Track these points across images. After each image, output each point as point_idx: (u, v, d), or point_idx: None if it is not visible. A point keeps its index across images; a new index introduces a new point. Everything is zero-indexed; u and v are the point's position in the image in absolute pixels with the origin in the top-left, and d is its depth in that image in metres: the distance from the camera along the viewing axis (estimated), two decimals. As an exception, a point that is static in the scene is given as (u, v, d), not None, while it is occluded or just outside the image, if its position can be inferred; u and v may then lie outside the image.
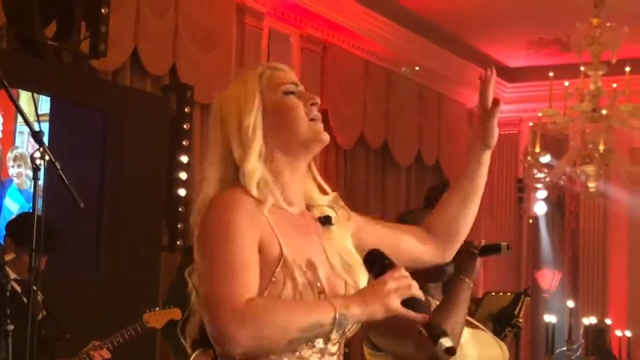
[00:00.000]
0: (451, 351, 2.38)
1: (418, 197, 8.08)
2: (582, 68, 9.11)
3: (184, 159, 8.47)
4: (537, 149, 9.81)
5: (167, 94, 8.58)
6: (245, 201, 2.49)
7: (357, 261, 2.62)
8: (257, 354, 2.41)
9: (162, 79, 8.63)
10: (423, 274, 3.76)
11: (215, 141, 2.61)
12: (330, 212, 2.70)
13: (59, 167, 4.10)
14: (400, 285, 2.41)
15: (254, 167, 2.53)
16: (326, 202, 2.72)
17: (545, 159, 10.09)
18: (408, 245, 2.89)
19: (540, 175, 10.66)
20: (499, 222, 13.34)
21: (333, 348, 2.56)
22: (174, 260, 7.48)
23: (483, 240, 4.04)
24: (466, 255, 3.83)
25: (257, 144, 2.56)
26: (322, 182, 2.74)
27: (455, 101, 12.69)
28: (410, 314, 2.40)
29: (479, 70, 12.51)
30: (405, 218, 4.00)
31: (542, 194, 12.19)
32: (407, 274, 2.45)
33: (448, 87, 12.34)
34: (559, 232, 13.21)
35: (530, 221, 13.12)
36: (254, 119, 2.57)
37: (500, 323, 4.96)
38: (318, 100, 2.65)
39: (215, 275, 2.41)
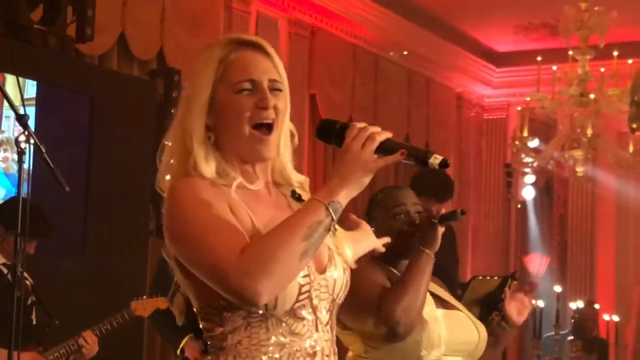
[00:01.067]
0: (444, 163, 2.36)
1: (406, 181, 8.12)
2: (570, 52, 9.14)
3: (171, 143, 8.44)
4: (525, 134, 9.84)
5: (154, 78, 8.60)
6: (207, 183, 2.43)
7: (342, 232, 2.62)
8: (284, 287, 2.34)
9: (149, 63, 8.63)
10: (395, 252, 3.83)
11: (177, 121, 2.57)
12: (300, 192, 2.63)
13: (44, 150, 4.12)
14: (363, 139, 2.34)
15: (209, 169, 2.45)
16: (296, 184, 2.64)
17: (534, 143, 10.12)
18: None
19: (528, 159, 10.68)
20: (487, 206, 13.37)
21: (324, 317, 2.51)
22: (161, 245, 7.43)
23: (443, 209, 4.10)
24: (427, 225, 3.87)
25: (199, 131, 2.48)
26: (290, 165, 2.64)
27: (444, 85, 12.70)
28: (390, 159, 2.35)
29: (468, 54, 12.64)
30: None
31: (530, 178, 12.23)
32: (363, 124, 2.39)
33: (437, 72, 12.35)
34: (547, 216, 13.26)
35: (519, 206, 13.17)
36: (205, 99, 2.48)
37: (487, 307, 4.98)
38: (270, 102, 2.46)
39: (202, 243, 2.32)
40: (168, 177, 2.52)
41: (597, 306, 12.10)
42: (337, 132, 2.43)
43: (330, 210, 2.32)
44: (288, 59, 9.84)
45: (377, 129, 2.38)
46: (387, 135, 2.37)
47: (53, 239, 5.71)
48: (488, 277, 5.37)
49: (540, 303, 11.18)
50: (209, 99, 2.47)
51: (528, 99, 9.88)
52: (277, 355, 2.43)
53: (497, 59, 12.94)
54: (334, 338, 2.56)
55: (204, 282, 2.39)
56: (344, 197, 2.34)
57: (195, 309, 2.54)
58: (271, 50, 2.53)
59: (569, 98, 9.17)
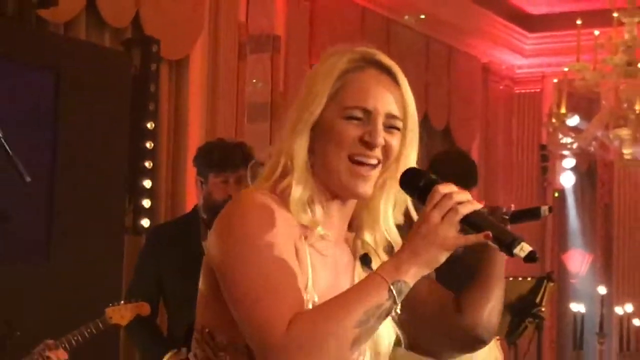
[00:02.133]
0: (532, 257, 2.25)
1: (425, 163, 8.04)
2: (615, 14, 9.04)
3: (150, 125, 8.44)
4: (563, 110, 9.80)
5: (129, 49, 8.54)
6: (283, 211, 2.39)
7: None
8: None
9: (124, 31, 8.56)
10: None
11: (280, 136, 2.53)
12: (374, 255, 2.60)
13: (1, 135, 4.07)
14: (447, 209, 2.25)
15: (301, 195, 2.44)
16: (382, 242, 2.61)
17: (573, 121, 10.10)
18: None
19: (567, 140, 10.64)
20: (519, 195, 13.22)
21: None
22: (139, 244, 7.42)
23: (513, 205, 3.98)
24: (494, 226, 3.75)
25: (301, 160, 2.45)
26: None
27: (467, 54, 12.63)
28: (471, 239, 2.27)
29: (495, 18, 12.56)
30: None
31: (569, 162, 12.20)
32: (450, 186, 2.31)
33: (459, 39, 12.28)
34: (590, 206, 13.21)
35: (556, 194, 13.10)
36: (305, 127, 2.45)
37: (519, 313, 4.95)
38: (379, 141, 2.41)
39: (255, 298, 2.29)
40: None
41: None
42: (420, 189, 2.38)
43: (394, 291, 2.25)
44: (285, 25, 9.97)
45: (465, 196, 2.29)
46: (475, 207, 2.29)
47: (13, 239, 5.81)
48: (520, 278, 5.29)
49: (582, 308, 11.19)
50: (317, 119, 2.45)
51: (566, 69, 9.84)
52: None
53: (530, 22, 12.89)
54: None
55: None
56: (412, 277, 2.28)
57: (197, 329, 2.53)
58: (403, 81, 2.49)
59: (613, 68, 9.08)
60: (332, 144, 2.42)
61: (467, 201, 2.27)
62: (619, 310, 11.30)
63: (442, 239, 2.24)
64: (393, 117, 2.43)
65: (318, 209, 2.48)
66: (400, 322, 2.62)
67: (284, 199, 2.43)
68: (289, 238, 2.37)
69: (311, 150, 2.46)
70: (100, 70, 7.83)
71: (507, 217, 3.88)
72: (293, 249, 2.36)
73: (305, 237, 2.43)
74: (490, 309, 3.66)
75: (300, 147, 2.43)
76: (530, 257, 2.24)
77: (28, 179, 4.14)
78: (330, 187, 2.48)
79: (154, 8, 8.59)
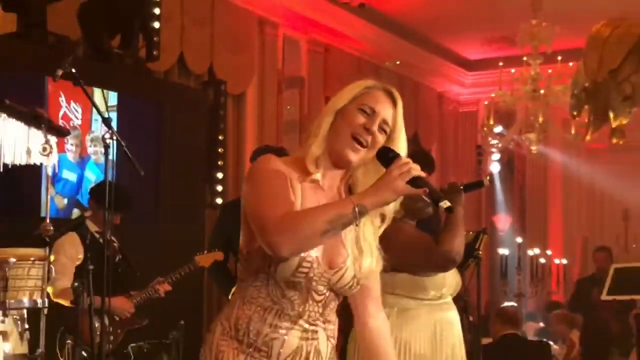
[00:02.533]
0: (450, 209, 2.33)
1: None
2: (524, 58, 9.11)
3: (221, 137, 8.44)
4: (492, 122, 9.84)
5: (206, 88, 8.54)
6: (284, 168, 2.45)
7: (369, 245, 2.52)
8: (303, 250, 2.34)
9: (202, 76, 8.56)
10: (407, 213, 3.85)
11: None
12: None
13: (124, 145, 4.16)
14: (403, 171, 2.28)
15: (315, 151, 2.45)
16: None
17: (498, 129, 10.12)
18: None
19: (494, 142, 10.70)
20: (462, 179, 12.75)
21: (318, 297, 2.47)
22: (215, 215, 7.47)
23: (462, 181, 4.11)
24: (454, 194, 3.87)
25: (323, 132, 2.46)
26: None
27: (428, 87, 12.52)
28: (413, 190, 2.29)
29: (446, 62, 12.56)
30: None
31: (496, 156, 12.21)
32: (408, 160, 2.34)
33: (422, 76, 12.22)
34: (510, 185, 13.22)
35: (488, 177, 13.10)
36: (331, 113, 2.48)
37: (465, 255, 4.93)
38: (374, 129, 2.43)
39: (263, 199, 2.37)
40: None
41: (549, 252, 12.13)
42: (389, 159, 2.38)
43: (357, 210, 2.28)
44: (307, 70, 9.91)
45: (416, 167, 2.31)
46: (421, 173, 2.31)
47: (133, 212, 5.70)
48: (465, 233, 5.36)
49: (506, 251, 11.25)
50: (342, 107, 2.46)
51: (493, 95, 9.85)
52: (266, 308, 2.41)
53: (469, 65, 12.82)
54: (328, 312, 2.50)
55: (251, 231, 2.42)
56: (370, 205, 2.31)
57: (240, 248, 2.53)
58: (399, 105, 2.50)
59: (524, 94, 9.14)
60: (345, 123, 2.42)
61: (416, 169, 2.28)
62: (530, 252, 11.30)
63: (395, 186, 2.27)
64: (386, 122, 2.43)
65: (320, 166, 2.45)
66: None
67: (292, 161, 2.49)
68: (285, 179, 2.39)
69: (331, 128, 2.45)
70: (187, 102, 7.89)
71: (461, 187, 4.04)
72: (288, 183, 2.39)
73: (301, 181, 2.43)
74: (459, 241, 3.82)
75: (326, 123, 2.44)
76: (448, 209, 2.30)
77: (142, 173, 4.21)
78: (333, 156, 2.45)
79: (222, 60, 8.63)
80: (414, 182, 2.29)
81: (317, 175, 2.45)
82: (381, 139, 2.44)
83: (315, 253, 2.40)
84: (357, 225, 2.37)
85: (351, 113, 2.43)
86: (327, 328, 2.48)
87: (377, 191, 2.32)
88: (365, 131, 2.42)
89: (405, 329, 3.85)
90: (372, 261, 2.52)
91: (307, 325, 2.43)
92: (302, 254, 2.38)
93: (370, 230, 2.52)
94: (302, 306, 2.43)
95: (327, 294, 2.46)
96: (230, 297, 5.23)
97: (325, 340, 2.48)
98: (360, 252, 2.50)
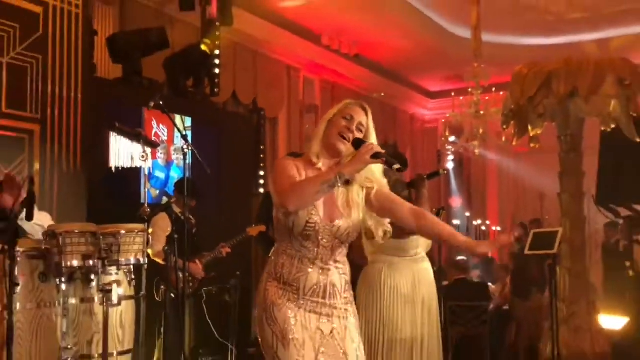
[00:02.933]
0: (400, 169, 2.38)
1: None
2: (469, 90, 9.09)
3: (261, 147, 8.48)
4: (447, 134, 9.85)
5: (252, 114, 8.56)
6: (294, 162, 2.51)
7: (356, 204, 2.52)
8: (304, 206, 2.40)
9: (249, 106, 8.57)
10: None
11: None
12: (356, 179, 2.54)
13: (196, 153, 4.16)
14: (368, 149, 2.34)
15: (316, 149, 2.50)
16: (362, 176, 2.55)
17: (452, 139, 10.13)
18: (395, 213, 2.59)
19: (449, 148, 10.72)
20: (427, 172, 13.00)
21: (326, 244, 2.47)
22: (258, 200, 7.45)
23: (427, 172, 4.11)
24: (420, 181, 3.90)
25: (319, 138, 2.51)
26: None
27: (402, 111, 12.46)
28: (376, 161, 2.35)
29: (415, 93, 12.51)
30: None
31: (450, 157, 12.24)
32: (373, 143, 2.42)
33: (399, 103, 12.19)
34: (460, 177, 13.17)
35: (445, 172, 13.09)
36: (324, 123, 2.54)
37: None
38: (353, 129, 2.47)
39: (282, 180, 2.42)
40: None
41: (488, 222, 12.10)
42: (359, 144, 2.42)
43: (338, 176, 2.33)
44: (320, 100, 9.89)
45: (377, 147, 2.37)
46: (380, 150, 2.35)
47: (204, 199, 5.65)
48: (429, 210, 5.33)
49: (458, 222, 11.26)
50: (331, 118, 2.51)
51: (448, 115, 9.83)
52: (292, 256, 2.46)
53: (431, 95, 12.79)
54: (337, 255, 2.50)
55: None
56: (347, 172, 2.36)
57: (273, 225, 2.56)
58: (369, 113, 2.55)
59: (469, 114, 9.11)
60: (334, 127, 2.48)
61: (377, 147, 2.36)
62: (475, 222, 11.30)
63: (363, 159, 2.33)
64: (361, 124, 2.49)
65: (320, 158, 2.48)
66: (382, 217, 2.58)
67: (303, 158, 2.53)
68: (292, 167, 2.45)
69: (325, 132, 2.50)
70: (238, 124, 7.88)
71: (425, 176, 4.03)
72: (294, 169, 2.45)
73: (307, 169, 2.47)
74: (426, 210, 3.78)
75: (321, 130, 2.51)
76: (398, 169, 2.38)
77: (209, 172, 4.20)
78: (328, 149, 2.51)
79: (262, 94, 8.66)
80: (376, 155, 2.34)
81: (319, 165, 2.48)
82: (360, 136, 2.48)
83: (318, 214, 2.43)
84: (339, 186, 2.38)
85: (338, 120, 2.48)
86: (337, 267, 2.50)
87: (351, 163, 2.37)
88: (347, 130, 2.47)
89: (394, 277, 3.85)
90: (359, 214, 2.52)
91: (321, 265, 2.47)
92: (308, 217, 2.41)
93: (359, 193, 2.52)
94: (315, 251, 2.46)
95: (332, 242, 2.46)
96: (270, 256, 5.33)
97: (338, 276, 2.50)
98: (350, 210, 2.50)
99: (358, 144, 2.45)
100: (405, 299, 3.82)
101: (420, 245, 4.00)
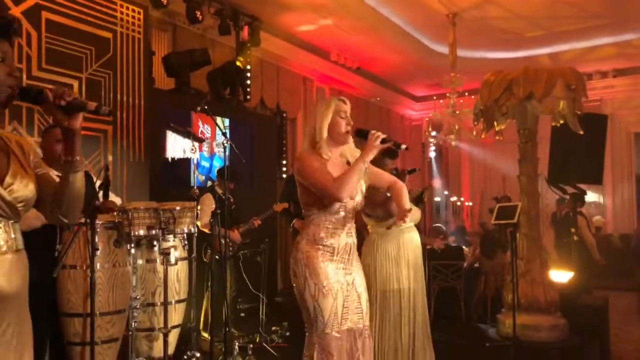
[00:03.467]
0: (407, 149, 2.42)
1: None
2: (447, 94, 9.03)
3: (284, 142, 8.47)
4: (430, 129, 9.79)
5: (276, 116, 8.52)
6: (317, 155, 2.45)
7: (360, 185, 2.51)
8: (351, 193, 2.36)
9: (274, 109, 8.57)
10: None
11: (309, 127, 2.53)
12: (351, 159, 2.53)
13: (234, 146, 4.08)
14: (376, 137, 2.34)
15: (325, 147, 2.45)
16: (352, 158, 2.54)
17: (434, 134, 10.08)
18: (379, 181, 2.66)
19: (431, 140, 10.64)
20: (413, 162, 12.80)
21: (349, 215, 2.46)
22: (282, 183, 7.44)
23: (408, 168, 4.05)
24: (402, 175, 3.86)
25: (324, 135, 2.44)
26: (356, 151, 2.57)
27: (394, 112, 12.43)
28: (384, 146, 2.36)
29: (404, 98, 12.42)
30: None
31: (432, 148, 12.18)
32: (377, 132, 2.38)
33: (391, 106, 12.13)
34: (440, 163, 13.14)
35: (428, 160, 13.06)
36: (326, 125, 2.45)
37: (416, 202, 4.85)
38: (351, 123, 2.45)
39: (320, 178, 2.38)
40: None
41: (462, 199, 12.05)
42: (364, 134, 2.41)
43: (365, 165, 2.36)
44: None
45: (380, 133, 2.36)
46: (384, 136, 2.36)
47: (240, 182, 5.61)
48: (417, 190, 5.30)
49: (439, 199, 11.25)
50: (329, 118, 2.45)
51: (430, 114, 9.79)
52: (329, 226, 2.44)
53: (417, 99, 12.73)
54: (352, 221, 2.51)
55: (310, 193, 2.42)
56: (369, 159, 2.38)
57: (301, 202, 2.52)
58: (348, 103, 2.51)
59: (447, 114, 9.07)
60: (336, 126, 2.42)
61: (381, 134, 2.35)
62: (452, 199, 11.29)
63: (375, 146, 2.34)
64: (349, 118, 2.45)
65: (329, 150, 2.43)
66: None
67: (318, 150, 2.45)
68: (320, 162, 2.40)
69: (329, 130, 2.43)
70: (266, 124, 7.74)
71: (406, 172, 3.92)
72: (324, 167, 2.40)
73: (323, 162, 2.41)
74: (404, 200, 3.73)
75: (324, 131, 2.43)
76: (406, 149, 2.46)
77: (244, 161, 4.26)
78: (335, 143, 2.46)
79: (284, 100, 8.66)
80: (383, 141, 2.35)
81: (328, 156, 2.45)
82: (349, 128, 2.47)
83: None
84: (365, 172, 2.40)
85: (336, 120, 2.43)
86: (352, 231, 2.53)
87: (369, 151, 2.37)
88: (348, 125, 2.45)
89: (384, 243, 3.83)
90: (363, 189, 2.55)
91: (347, 230, 2.48)
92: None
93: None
94: (344, 221, 2.47)
95: (352, 212, 2.50)
96: (291, 226, 5.30)
97: (354, 238, 2.53)
98: (359, 187, 2.51)
99: (363, 133, 2.42)
100: (392, 260, 3.81)
101: (410, 219, 3.97)
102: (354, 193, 2.48)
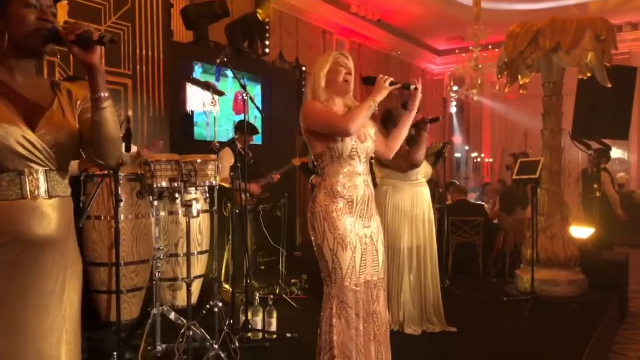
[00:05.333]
0: (415, 88, 2.39)
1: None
2: (470, 48, 8.84)
3: (303, 96, 8.34)
4: (452, 83, 9.64)
5: (294, 70, 8.45)
6: (319, 102, 2.42)
7: (368, 127, 2.51)
8: (359, 128, 2.37)
9: (292, 63, 8.52)
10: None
11: (309, 80, 2.51)
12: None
13: (252, 98, 4.01)
14: (384, 79, 2.38)
15: (323, 96, 2.44)
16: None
17: (455, 88, 9.93)
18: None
19: (453, 95, 10.48)
20: (435, 116, 12.65)
21: (363, 159, 2.46)
22: (301, 139, 7.41)
23: (430, 116, 3.98)
24: (422, 124, 3.80)
25: (322, 84, 2.44)
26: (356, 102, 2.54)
27: (415, 66, 12.23)
28: (394, 87, 2.38)
29: (426, 51, 12.20)
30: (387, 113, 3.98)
31: (454, 103, 12.01)
32: (384, 76, 2.41)
33: (412, 60, 11.96)
34: (461, 119, 13.00)
35: (449, 115, 12.90)
36: (323, 74, 2.45)
37: (436, 156, 4.84)
38: (351, 73, 2.45)
39: (326, 115, 2.38)
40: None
41: (482, 155, 11.96)
42: (371, 80, 2.41)
43: (374, 103, 2.36)
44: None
45: (390, 78, 2.38)
46: (392, 79, 2.38)
47: (258, 135, 5.62)
48: (437, 144, 5.26)
49: (459, 154, 11.17)
50: (327, 70, 2.46)
51: (452, 69, 9.62)
52: (345, 178, 2.42)
53: (439, 52, 12.50)
54: (369, 168, 2.51)
55: (321, 139, 2.39)
56: (379, 99, 2.38)
57: (314, 159, 2.50)
58: (350, 58, 2.51)
59: (470, 67, 8.89)
60: (334, 76, 2.44)
61: (389, 77, 2.37)
62: (472, 155, 11.22)
63: (384, 88, 2.37)
64: (350, 68, 2.46)
65: (334, 100, 2.43)
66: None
67: (319, 100, 2.42)
68: (324, 105, 2.40)
69: (326, 82, 2.43)
70: (284, 78, 7.58)
71: (427, 120, 3.77)
72: (324, 106, 2.38)
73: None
74: (421, 153, 3.72)
75: (323, 81, 2.44)
76: (415, 89, 2.39)
77: (263, 115, 4.21)
78: (337, 92, 2.46)
79: (303, 54, 8.56)
80: (392, 83, 2.38)
81: (336, 105, 2.43)
82: (350, 78, 2.46)
83: (355, 138, 2.42)
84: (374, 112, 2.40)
85: (337, 69, 2.44)
86: (369, 182, 2.51)
87: (378, 92, 2.38)
88: (347, 75, 2.45)
89: (396, 196, 3.83)
90: (372, 135, 2.55)
91: (363, 180, 2.47)
92: (351, 141, 2.40)
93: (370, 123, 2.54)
94: (360, 167, 2.46)
95: (366, 158, 2.48)
96: (309, 182, 5.29)
97: (371, 189, 2.51)
98: (367, 132, 2.52)
99: (369, 79, 2.42)
100: (404, 214, 3.81)
101: (421, 172, 3.94)
102: (364, 136, 2.46)
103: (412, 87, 2.36)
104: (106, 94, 1.48)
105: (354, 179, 2.43)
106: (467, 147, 12.06)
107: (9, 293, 1.37)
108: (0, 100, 1.40)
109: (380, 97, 2.37)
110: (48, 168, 1.45)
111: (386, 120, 3.85)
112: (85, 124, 1.53)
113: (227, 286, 4.83)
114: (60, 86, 1.56)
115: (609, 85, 4.76)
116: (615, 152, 10.14)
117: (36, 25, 1.44)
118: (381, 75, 2.39)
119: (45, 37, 1.44)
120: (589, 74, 4.71)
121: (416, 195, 3.86)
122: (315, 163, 2.52)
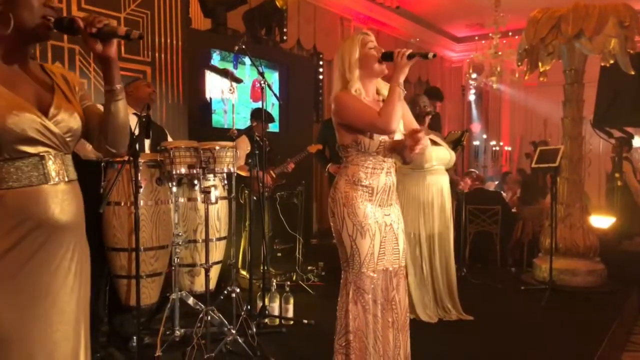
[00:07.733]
0: (435, 56, 2.26)
1: (421, 90, 8.03)
2: (490, 34, 8.71)
3: (320, 84, 8.36)
4: (471, 71, 9.52)
5: (312, 57, 8.43)
6: (353, 95, 2.35)
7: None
8: (398, 123, 2.30)
9: (310, 50, 8.47)
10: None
11: (338, 67, 2.42)
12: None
13: (270, 86, 4.02)
14: (401, 54, 2.25)
15: (356, 84, 2.37)
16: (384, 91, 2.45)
17: (474, 75, 9.82)
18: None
19: (472, 82, 10.37)
20: (453, 105, 12.52)
21: (387, 153, 2.41)
22: (318, 126, 7.41)
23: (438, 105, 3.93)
24: (436, 114, 3.78)
25: (356, 73, 2.36)
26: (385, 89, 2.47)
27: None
28: (413, 61, 2.26)
29: (445, 39, 12.05)
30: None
31: (473, 91, 11.87)
32: (401, 50, 2.28)
33: (431, 47, 11.71)
34: (480, 107, 12.84)
35: (468, 103, 12.75)
36: (355, 60, 2.36)
37: (455, 144, 4.79)
38: (382, 51, 2.35)
39: (364, 114, 2.32)
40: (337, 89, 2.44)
41: (501, 143, 11.83)
42: (389, 56, 2.31)
43: (400, 87, 2.27)
44: None
45: (405, 50, 2.26)
46: (410, 51, 2.26)
47: (274, 123, 5.63)
48: (456, 132, 5.22)
49: (478, 143, 11.05)
50: (359, 56, 2.37)
51: (472, 56, 9.51)
52: (368, 166, 2.40)
53: (458, 40, 12.31)
54: (393, 162, 2.47)
55: (351, 131, 2.36)
56: (401, 79, 2.27)
57: (339, 147, 2.47)
58: (372, 35, 2.41)
59: (489, 55, 8.77)
60: (369, 59, 2.35)
61: (407, 50, 2.25)
62: (491, 143, 11.11)
63: (405, 63, 2.24)
64: (377, 45, 2.40)
65: (363, 87, 2.37)
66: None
67: (350, 90, 2.35)
68: (358, 99, 2.33)
69: (360, 66, 2.36)
70: (302, 65, 7.69)
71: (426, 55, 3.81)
72: (364, 102, 2.33)
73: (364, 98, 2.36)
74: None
75: (356, 67, 2.36)
76: (433, 56, 2.22)
77: (280, 102, 4.20)
78: (369, 77, 2.39)
79: (320, 41, 8.50)
80: (410, 56, 2.25)
81: (362, 95, 2.37)
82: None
83: (384, 137, 2.38)
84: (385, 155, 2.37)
85: (367, 52, 2.36)
86: (392, 170, 2.48)
87: (398, 73, 2.27)
88: (379, 53, 2.36)
89: (410, 183, 3.86)
90: (402, 130, 2.48)
91: (386, 169, 2.44)
92: (379, 139, 2.37)
93: None
94: (383, 161, 2.43)
95: (389, 152, 2.43)
96: (326, 171, 5.29)
97: (393, 178, 2.48)
98: (399, 128, 2.46)
99: (388, 55, 2.33)
100: (417, 202, 3.81)
101: (433, 159, 3.92)
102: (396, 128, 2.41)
103: (431, 54, 2.29)
104: (122, 86, 1.52)
105: (377, 169, 2.42)
106: (485, 136, 11.93)
107: (41, 275, 1.41)
108: (9, 86, 1.40)
109: (403, 75, 2.27)
110: (63, 152, 1.48)
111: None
112: (88, 112, 1.55)
113: (244, 273, 4.87)
114: (51, 70, 1.56)
115: (632, 73, 4.67)
116: (638, 141, 9.96)
117: (39, 11, 1.43)
118: (398, 50, 2.28)
119: (46, 26, 1.44)
120: (611, 61, 4.62)
121: (429, 182, 3.85)
122: (339, 151, 2.51)
